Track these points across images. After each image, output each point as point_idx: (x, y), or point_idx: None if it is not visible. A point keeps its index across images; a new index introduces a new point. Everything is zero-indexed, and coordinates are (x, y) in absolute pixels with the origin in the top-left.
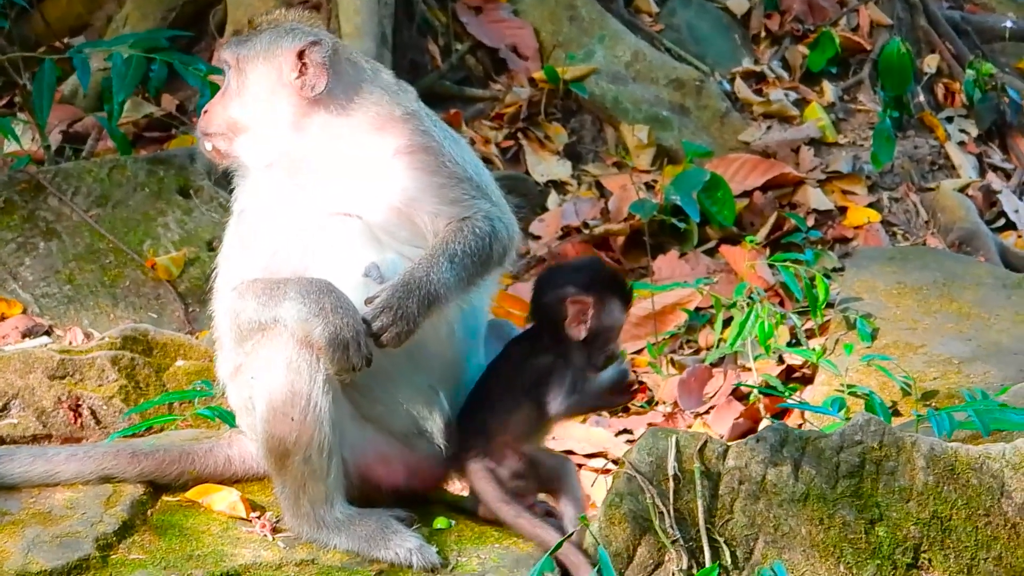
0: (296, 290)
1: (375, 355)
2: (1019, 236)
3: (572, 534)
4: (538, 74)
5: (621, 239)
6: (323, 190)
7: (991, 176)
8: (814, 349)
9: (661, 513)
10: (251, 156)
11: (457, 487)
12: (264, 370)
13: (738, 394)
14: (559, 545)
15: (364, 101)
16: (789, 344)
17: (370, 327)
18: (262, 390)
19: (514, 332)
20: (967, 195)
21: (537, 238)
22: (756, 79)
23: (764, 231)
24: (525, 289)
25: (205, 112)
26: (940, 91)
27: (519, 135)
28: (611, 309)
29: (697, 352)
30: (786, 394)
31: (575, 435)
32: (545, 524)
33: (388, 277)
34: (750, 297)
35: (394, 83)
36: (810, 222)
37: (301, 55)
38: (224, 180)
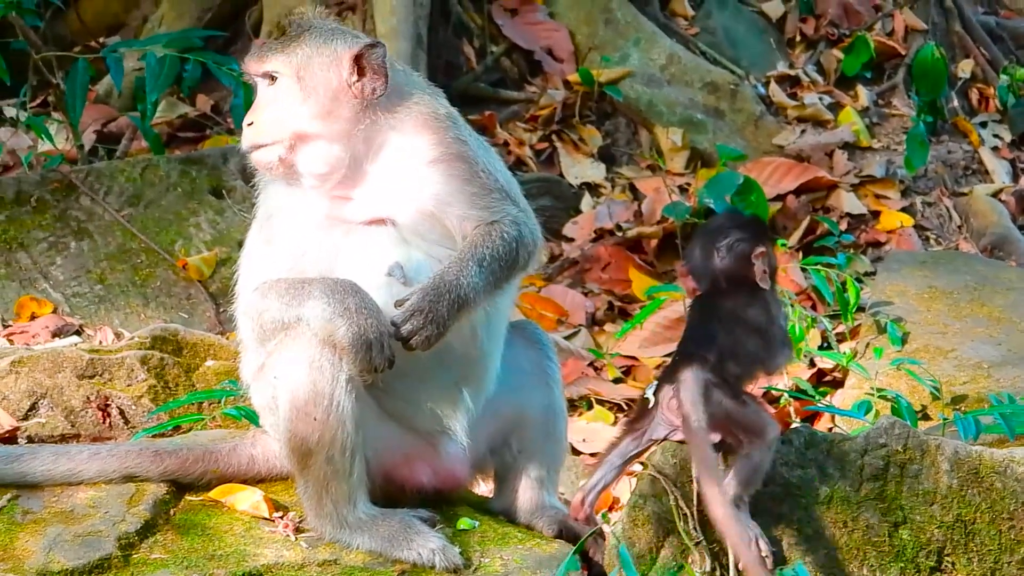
0: (321, 289)
1: (399, 354)
2: None
3: (593, 533)
4: (573, 76)
5: (654, 242)
6: (356, 192)
7: None
8: (844, 353)
9: (685, 515)
10: (314, 165)
11: (482, 489)
12: (287, 369)
13: (768, 397)
14: (580, 545)
15: (407, 105)
16: (820, 347)
17: (400, 330)
18: (285, 389)
19: (540, 333)
20: (1000, 200)
21: (570, 240)
22: (791, 83)
23: (797, 235)
24: (558, 291)
25: (251, 124)
26: (974, 96)
27: (553, 137)
28: (772, 249)
29: None
30: (815, 397)
31: (604, 436)
32: (715, 467)
33: (411, 277)
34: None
35: (428, 86)
36: (843, 226)
37: (359, 59)
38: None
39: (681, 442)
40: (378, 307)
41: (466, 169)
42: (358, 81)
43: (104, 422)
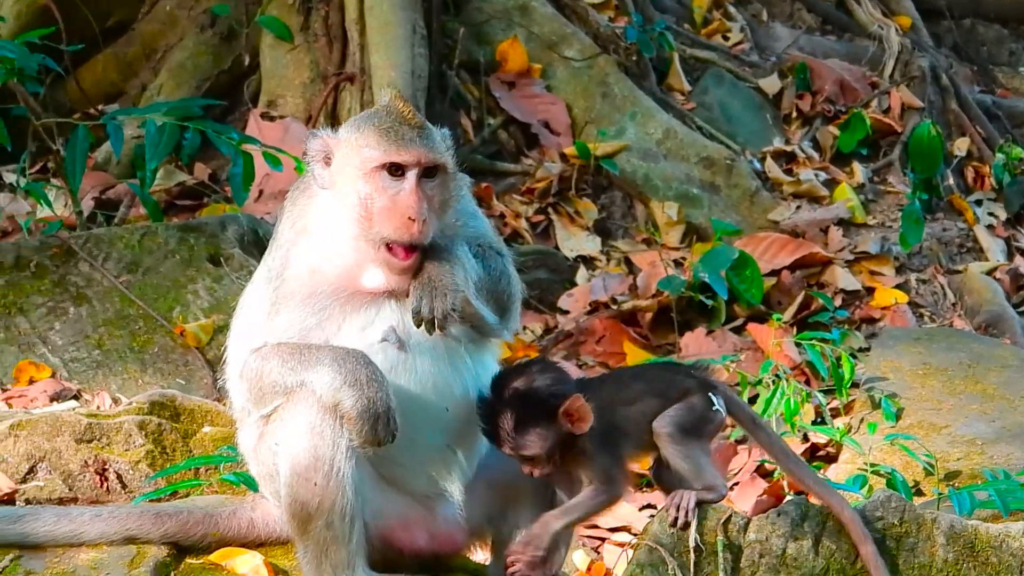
0: (331, 358)
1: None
2: None
3: None
4: (569, 150)
5: (649, 315)
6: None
7: (1019, 259)
8: (838, 428)
9: None
10: None
11: (479, 557)
12: (288, 435)
13: (762, 471)
14: None
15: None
16: (814, 422)
17: (418, 312)
18: (286, 455)
19: None
20: (994, 278)
21: (565, 312)
22: (786, 159)
23: (791, 310)
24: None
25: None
26: (970, 174)
27: (549, 210)
28: None
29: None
30: None
31: None
32: None
33: (405, 340)
34: (776, 375)
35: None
36: (837, 302)
37: None
38: (254, 248)
39: None
40: (387, 381)
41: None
42: None
43: (102, 486)
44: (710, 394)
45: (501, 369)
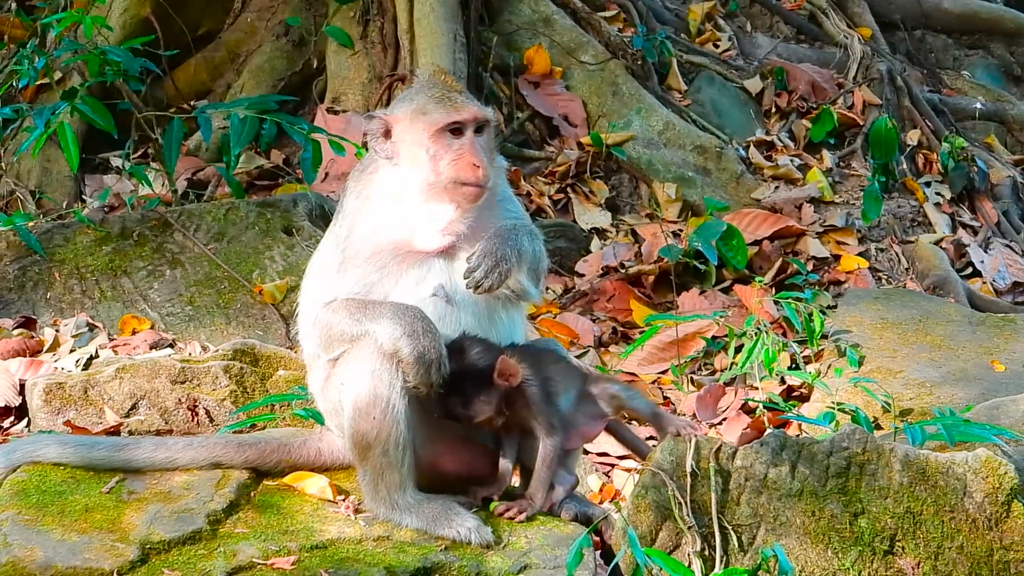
0: (392, 311)
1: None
2: (983, 282)
3: (604, 517)
4: (585, 139)
5: (652, 278)
6: (433, 227)
7: (961, 232)
8: (810, 372)
9: (680, 503)
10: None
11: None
12: (352, 377)
13: (746, 408)
14: (593, 527)
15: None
16: (789, 368)
17: (473, 274)
18: (350, 393)
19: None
20: (941, 247)
21: (581, 275)
22: (767, 147)
23: (771, 274)
24: (570, 318)
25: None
26: (920, 160)
27: (568, 190)
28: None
29: (713, 373)
30: (786, 409)
31: (608, 438)
32: None
33: (452, 295)
34: (758, 328)
35: None
36: (809, 267)
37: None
38: (320, 221)
39: None
40: (439, 332)
41: (526, 227)
42: None
43: (193, 420)
44: None
45: None
